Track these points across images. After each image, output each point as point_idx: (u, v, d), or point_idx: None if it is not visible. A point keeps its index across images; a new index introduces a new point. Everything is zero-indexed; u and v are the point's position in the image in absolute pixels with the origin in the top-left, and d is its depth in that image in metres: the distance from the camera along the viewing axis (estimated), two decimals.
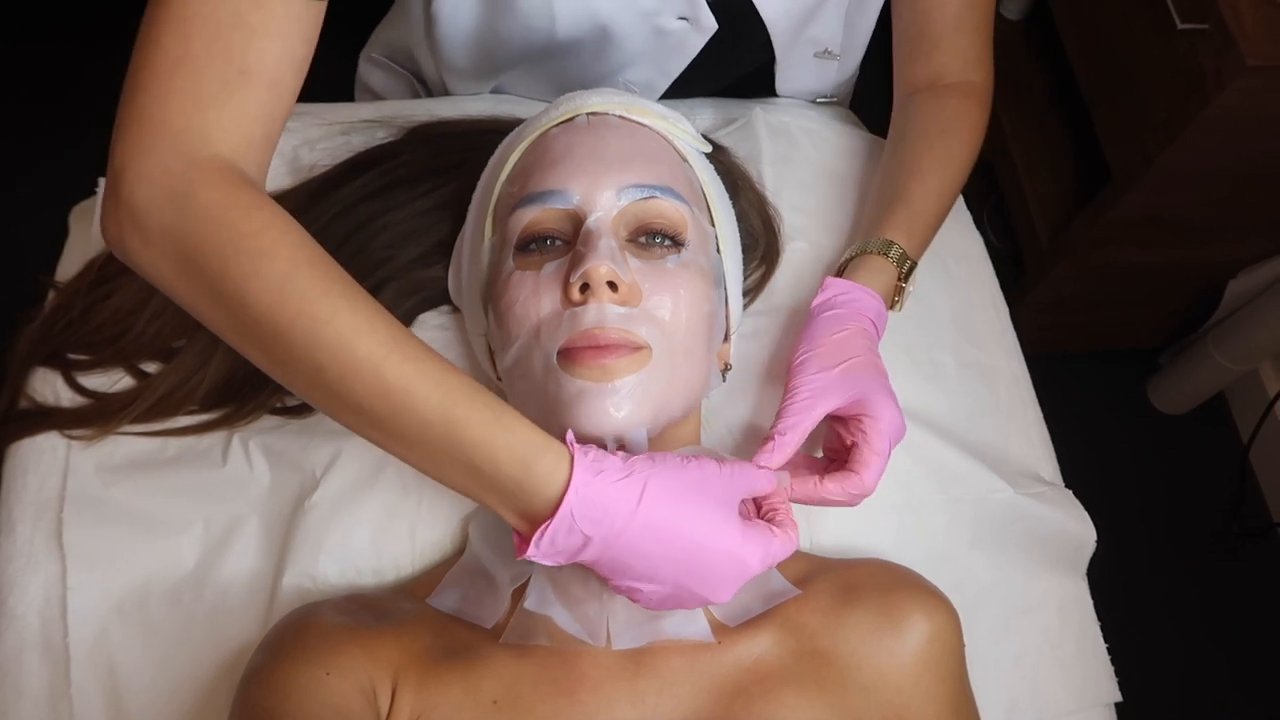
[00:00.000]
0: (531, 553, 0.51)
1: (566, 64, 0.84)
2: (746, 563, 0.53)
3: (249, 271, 0.50)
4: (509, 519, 0.53)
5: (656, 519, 0.51)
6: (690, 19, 0.80)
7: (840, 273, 0.74)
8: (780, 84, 0.93)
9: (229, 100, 0.52)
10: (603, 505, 0.50)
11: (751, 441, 0.77)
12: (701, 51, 0.84)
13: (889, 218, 0.75)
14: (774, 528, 0.56)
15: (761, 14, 0.82)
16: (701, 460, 0.55)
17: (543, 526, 0.50)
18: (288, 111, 0.56)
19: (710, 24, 0.80)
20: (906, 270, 0.74)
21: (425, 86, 1.00)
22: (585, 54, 0.83)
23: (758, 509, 0.60)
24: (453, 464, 0.51)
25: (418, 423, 0.50)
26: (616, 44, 0.81)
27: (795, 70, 0.91)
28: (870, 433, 0.63)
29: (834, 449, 0.68)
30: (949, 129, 0.80)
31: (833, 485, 0.62)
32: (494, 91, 0.94)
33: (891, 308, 0.73)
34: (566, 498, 0.49)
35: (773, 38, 0.84)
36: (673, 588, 0.53)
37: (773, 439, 0.63)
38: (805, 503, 0.63)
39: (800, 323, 0.72)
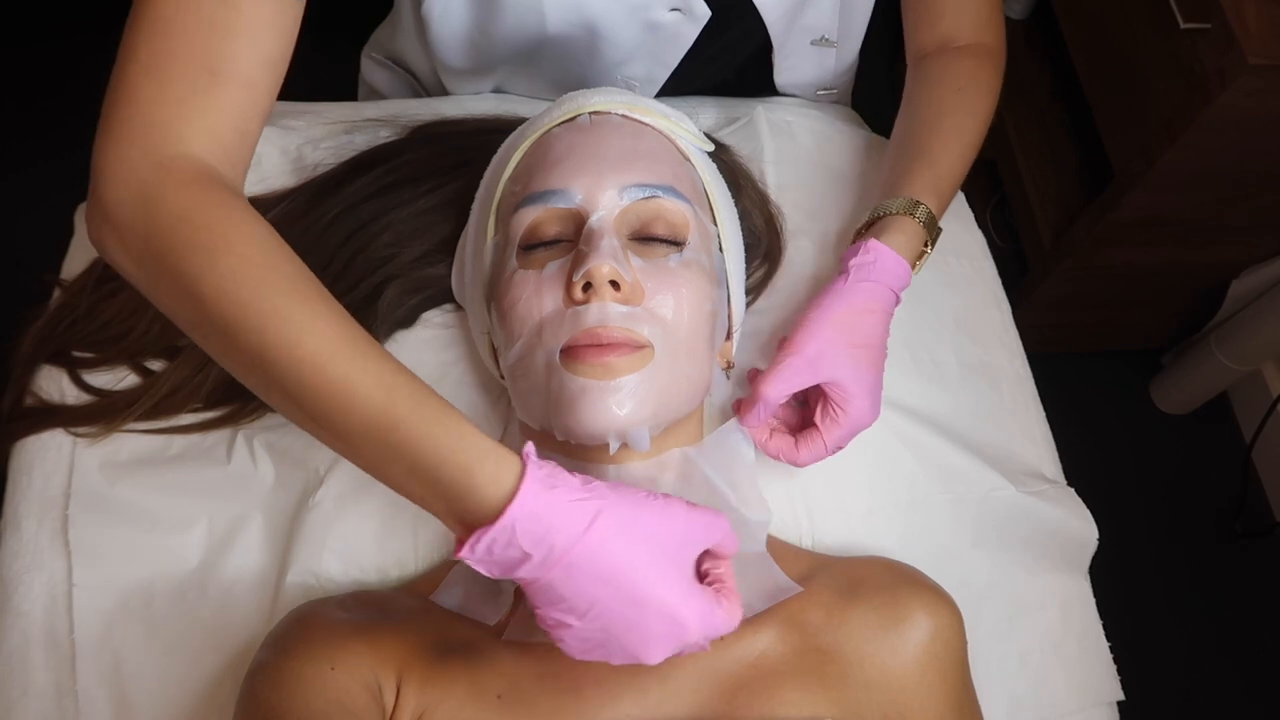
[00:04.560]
0: (466, 555, 0.48)
1: (561, 61, 0.85)
2: (685, 627, 0.50)
3: (205, 267, 0.50)
4: (450, 525, 0.50)
5: (602, 551, 0.48)
6: (683, 9, 0.80)
7: (866, 229, 0.73)
8: (779, 75, 0.93)
9: (198, 101, 0.53)
10: (548, 522, 0.47)
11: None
12: (698, 41, 0.84)
13: (913, 176, 0.73)
14: (720, 598, 0.52)
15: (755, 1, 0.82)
16: (668, 501, 0.52)
17: (481, 531, 0.47)
18: (264, 110, 0.56)
19: (704, 12, 0.80)
20: (934, 235, 0.72)
21: (424, 87, 1.00)
22: (579, 51, 0.83)
23: (700, 573, 0.54)
24: (395, 465, 0.49)
25: (359, 422, 0.49)
26: (609, 39, 0.81)
27: (793, 59, 0.91)
28: (832, 428, 0.66)
29: (794, 408, 0.71)
30: (965, 86, 0.79)
31: (777, 445, 0.67)
32: (494, 91, 0.94)
33: (914, 270, 0.72)
34: (511, 507, 0.47)
35: (767, 24, 0.84)
36: (601, 633, 0.49)
37: (758, 402, 0.66)
38: (763, 451, 0.68)
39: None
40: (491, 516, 0.47)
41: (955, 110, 0.78)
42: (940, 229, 0.73)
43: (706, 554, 0.55)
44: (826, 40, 0.90)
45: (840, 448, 0.68)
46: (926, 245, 0.72)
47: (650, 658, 0.50)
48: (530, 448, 0.50)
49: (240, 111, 0.55)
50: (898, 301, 0.70)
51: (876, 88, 1.19)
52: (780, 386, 0.66)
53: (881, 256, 0.69)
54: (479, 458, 0.48)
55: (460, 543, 0.49)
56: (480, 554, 0.48)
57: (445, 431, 0.49)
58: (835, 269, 0.72)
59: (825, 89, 0.97)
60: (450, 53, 0.85)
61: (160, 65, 0.53)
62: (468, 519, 0.49)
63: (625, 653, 0.50)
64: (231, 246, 0.51)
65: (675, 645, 0.50)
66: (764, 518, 0.66)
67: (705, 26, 0.82)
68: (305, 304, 0.50)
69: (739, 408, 0.69)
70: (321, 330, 0.50)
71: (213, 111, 0.53)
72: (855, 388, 0.66)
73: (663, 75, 0.87)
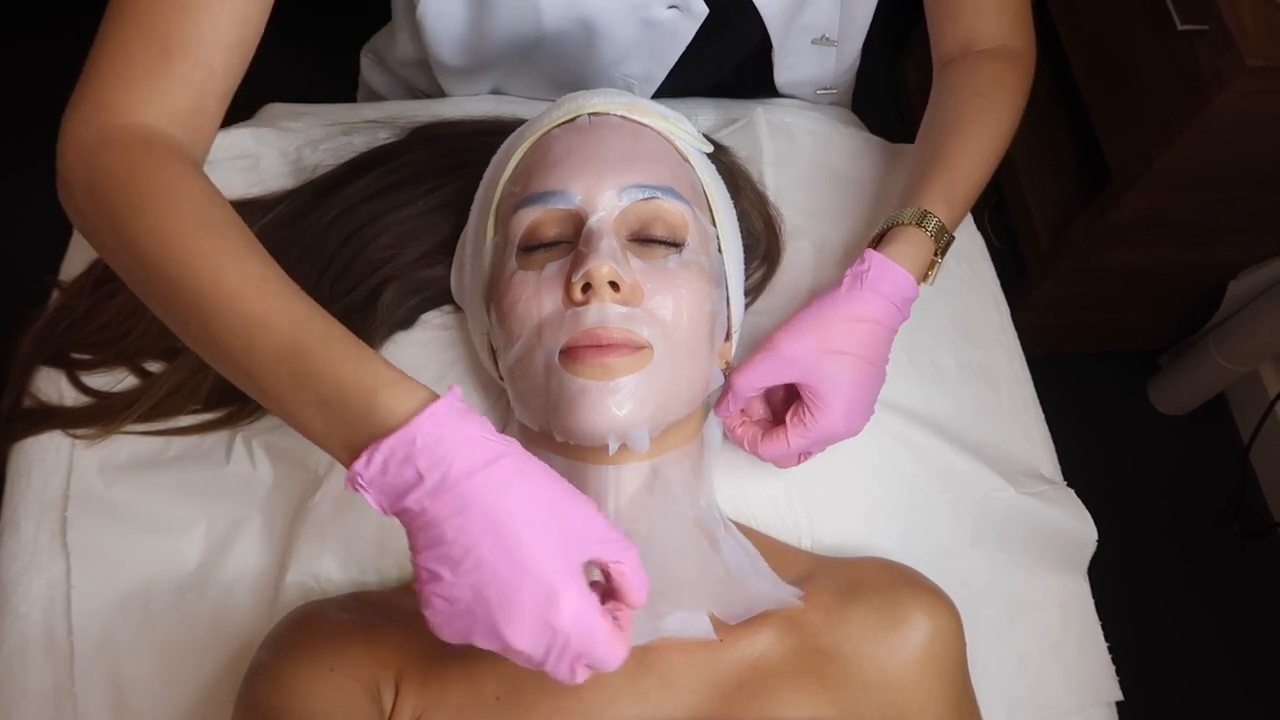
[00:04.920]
0: (359, 472, 0.45)
1: (559, 60, 0.85)
2: (558, 610, 0.45)
3: (136, 218, 0.52)
4: (347, 462, 0.47)
5: (497, 493, 0.45)
6: (680, 6, 0.80)
7: (877, 243, 0.71)
8: (779, 74, 0.93)
9: (154, 77, 0.56)
10: (450, 447, 0.45)
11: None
12: (696, 40, 0.84)
13: (927, 186, 0.72)
14: (612, 625, 0.48)
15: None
16: (582, 494, 0.49)
17: (380, 441, 0.45)
18: (223, 89, 0.59)
19: (701, 9, 0.80)
20: (945, 244, 0.70)
21: (422, 89, 1.00)
22: (576, 48, 0.83)
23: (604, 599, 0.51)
24: (303, 395, 0.48)
25: (270, 354, 0.49)
26: (606, 37, 0.81)
27: (793, 58, 0.91)
28: (798, 430, 0.65)
29: (775, 401, 0.70)
30: (986, 90, 0.77)
31: (742, 433, 0.68)
32: (492, 92, 0.94)
33: (923, 281, 0.71)
34: (417, 418, 0.45)
35: (766, 22, 0.84)
36: (470, 594, 0.45)
37: (729, 391, 0.67)
38: (730, 437, 0.69)
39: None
40: (393, 432, 0.45)
41: (974, 117, 0.76)
42: (952, 238, 0.71)
43: (613, 596, 0.50)
44: (827, 39, 0.90)
45: (808, 453, 0.67)
46: (937, 255, 0.70)
47: (513, 638, 0.45)
48: (458, 389, 0.48)
49: (194, 88, 0.57)
50: (903, 315, 0.68)
51: (876, 89, 1.19)
52: (750, 378, 0.66)
53: (878, 266, 0.67)
54: (386, 384, 0.47)
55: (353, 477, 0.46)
56: (374, 471, 0.45)
57: (354, 360, 0.48)
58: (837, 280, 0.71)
59: (825, 89, 0.96)
60: (446, 52, 0.85)
61: (122, 42, 0.57)
62: (368, 442, 0.46)
63: (488, 626, 0.46)
64: (161, 198, 0.53)
65: (542, 632, 0.46)
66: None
67: (704, 24, 0.82)
68: (227, 249, 0.52)
69: (718, 400, 0.69)
70: (240, 271, 0.51)
71: (165, 86, 0.56)
72: (830, 395, 0.64)
73: (661, 74, 0.87)
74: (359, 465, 0.45)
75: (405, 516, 0.47)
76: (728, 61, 0.91)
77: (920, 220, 0.70)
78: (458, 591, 0.46)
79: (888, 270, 0.67)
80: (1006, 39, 0.80)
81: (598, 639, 0.47)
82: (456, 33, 0.82)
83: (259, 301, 0.50)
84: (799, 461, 0.68)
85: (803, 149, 0.91)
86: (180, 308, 0.52)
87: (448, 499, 0.45)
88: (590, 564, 0.48)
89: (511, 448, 0.47)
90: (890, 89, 1.90)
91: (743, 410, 0.69)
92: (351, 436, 0.47)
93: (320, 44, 1.59)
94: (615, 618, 0.49)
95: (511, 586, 0.45)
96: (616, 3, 0.78)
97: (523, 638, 0.45)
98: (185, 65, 0.57)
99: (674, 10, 0.80)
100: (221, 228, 0.53)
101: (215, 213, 0.53)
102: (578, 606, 0.46)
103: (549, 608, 0.45)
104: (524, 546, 0.45)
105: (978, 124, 0.76)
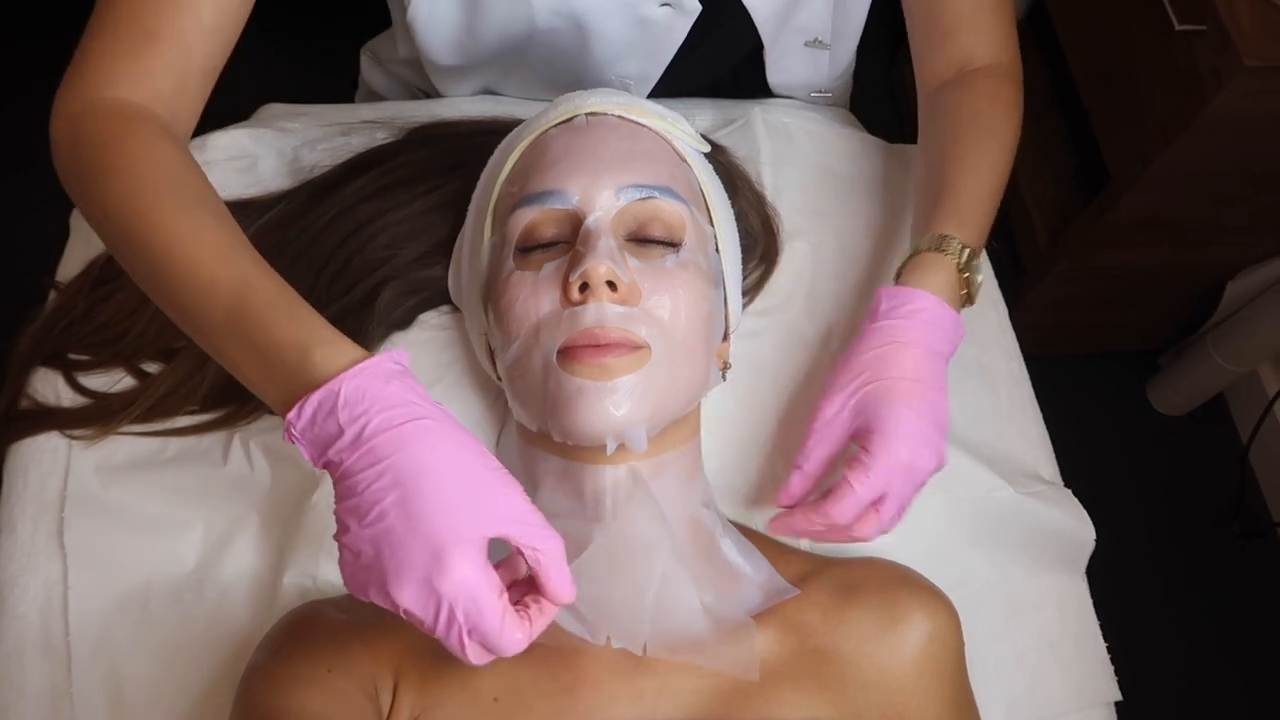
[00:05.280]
0: (290, 420, 0.48)
1: (553, 60, 0.85)
2: (443, 573, 0.45)
3: (110, 184, 0.56)
4: (283, 414, 0.49)
5: (407, 449, 0.46)
6: (673, 4, 0.80)
7: (896, 280, 0.69)
8: (772, 75, 0.93)
9: (136, 57, 0.60)
10: (371, 402, 0.47)
11: (750, 441, 0.77)
12: (691, 39, 0.84)
13: (938, 210, 0.70)
14: (516, 614, 0.48)
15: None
16: (506, 472, 0.49)
17: (310, 394, 0.47)
18: (204, 69, 0.63)
19: (694, 6, 0.80)
20: (965, 259, 0.67)
21: (420, 89, 1.00)
22: (570, 48, 0.83)
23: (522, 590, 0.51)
24: (247, 355, 0.51)
25: (220, 315, 0.52)
26: (599, 35, 0.81)
27: (786, 60, 0.91)
28: (856, 469, 0.61)
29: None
30: (984, 109, 0.76)
31: (804, 516, 0.62)
32: (487, 93, 0.94)
33: (967, 304, 0.68)
34: (343, 375, 0.47)
35: (756, 22, 0.84)
36: (371, 548, 0.46)
37: (794, 472, 0.64)
38: (802, 534, 0.64)
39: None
40: (321, 385, 0.47)
41: (976, 135, 0.74)
42: (975, 252, 0.68)
43: (532, 591, 0.50)
44: (820, 42, 0.90)
45: (885, 495, 0.61)
46: (963, 271, 0.67)
47: (399, 595, 0.46)
48: (399, 354, 0.50)
49: (174, 69, 0.61)
50: (940, 332, 0.64)
51: (874, 90, 1.19)
52: (809, 454, 0.63)
53: (888, 298, 0.66)
54: (321, 342, 0.49)
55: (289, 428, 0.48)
56: (304, 423, 0.48)
57: (295, 321, 0.51)
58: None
59: (819, 92, 0.96)
60: (439, 53, 0.85)
61: (109, 25, 0.61)
62: (300, 395, 0.48)
63: (380, 582, 0.46)
64: (129, 163, 0.57)
65: (427, 595, 0.46)
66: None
67: (698, 23, 0.82)
68: (185, 212, 0.55)
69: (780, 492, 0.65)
70: (196, 233, 0.54)
71: (146, 67, 0.61)
72: (877, 422, 0.61)
73: (656, 72, 0.87)
74: (291, 416, 0.48)
75: (330, 468, 0.48)
76: (723, 61, 0.92)
77: (937, 246, 0.68)
78: (361, 544, 0.47)
79: (899, 296, 0.65)
80: (999, 55, 0.79)
81: (486, 614, 0.46)
82: (449, 34, 0.82)
83: (211, 263, 0.53)
84: (883, 521, 0.62)
85: (800, 149, 0.91)
86: (144, 266, 0.55)
87: (362, 452, 0.47)
88: (502, 542, 0.48)
89: (437, 412, 0.48)
90: (888, 90, 1.90)
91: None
92: (287, 390, 0.49)
93: (319, 44, 1.59)
94: (527, 606, 0.49)
95: (405, 544, 0.46)
96: (608, 1, 0.78)
97: (407, 596, 0.46)
98: (165, 48, 0.61)
99: (666, 8, 0.80)
100: (184, 192, 0.56)
101: (179, 178, 0.57)
102: (466, 574, 0.46)
103: (435, 570, 0.45)
104: (424, 506, 0.46)
105: (982, 145, 0.74)
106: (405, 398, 0.48)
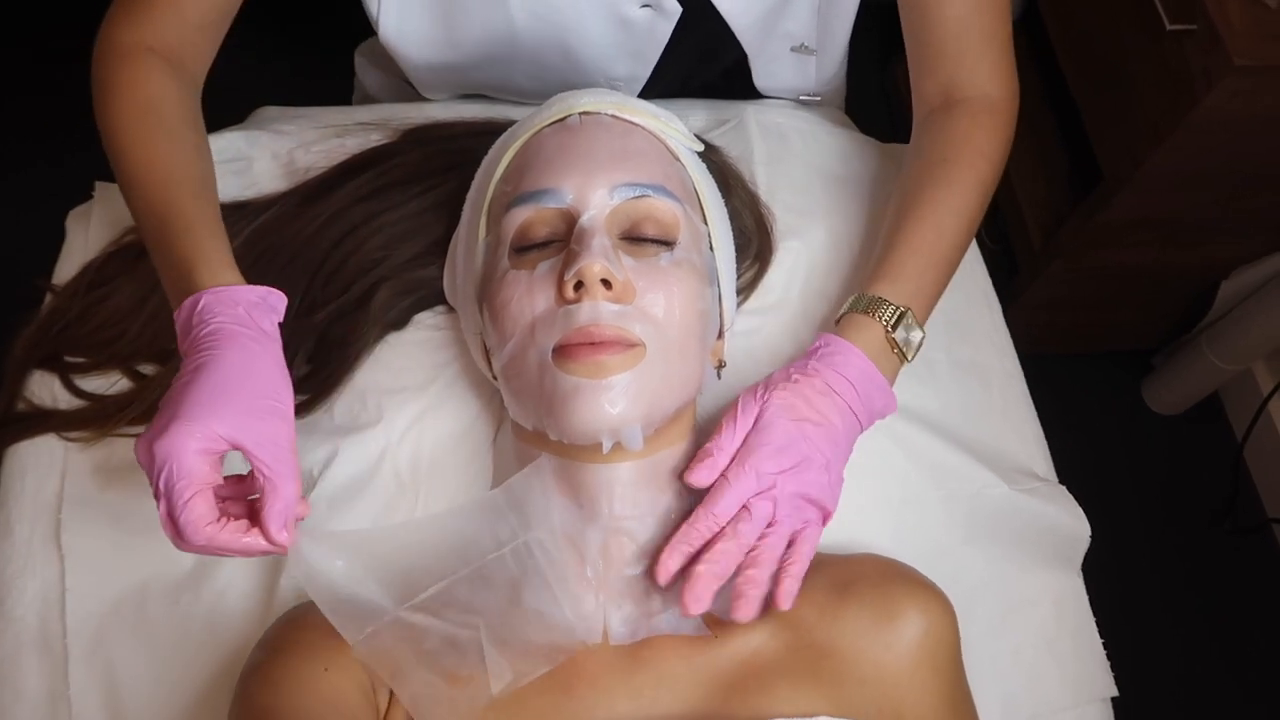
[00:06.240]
0: (176, 315, 0.59)
1: (541, 63, 0.85)
2: (163, 434, 0.51)
3: (108, 113, 0.67)
4: (174, 312, 0.60)
5: (219, 352, 0.55)
6: (654, 5, 0.81)
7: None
8: (758, 79, 0.93)
9: (147, 13, 0.70)
10: (217, 313, 0.57)
11: None
12: (677, 40, 0.84)
13: (876, 269, 0.71)
14: (224, 521, 0.53)
15: (717, 6, 0.82)
16: (280, 407, 0.55)
17: (186, 299, 0.58)
18: (209, 19, 0.72)
19: (674, 8, 0.81)
20: (894, 320, 0.67)
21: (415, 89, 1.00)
22: (555, 52, 0.83)
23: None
24: (163, 266, 0.62)
25: (156, 230, 0.62)
26: (581, 37, 0.81)
27: (771, 65, 0.91)
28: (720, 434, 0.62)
29: None
30: (951, 155, 0.74)
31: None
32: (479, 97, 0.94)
33: (903, 361, 0.68)
34: (207, 290, 0.58)
35: (736, 31, 0.84)
36: (157, 421, 0.53)
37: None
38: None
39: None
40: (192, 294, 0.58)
41: (935, 187, 0.73)
42: (904, 314, 0.67)
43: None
44: (806, 48, 0.90)
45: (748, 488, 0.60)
46: (890, 330, 0.67)
47: (139, 444, 0.53)
48: (272, 293, 0.60)
49: (176, 24, 0.71)
50: (857, 391, 0.64)
51: (867, 90, 1.19)
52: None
53: (828, 348, 0.65)
54: (204, 263, 0.60)
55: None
56: (182, 320, 0.58)
57: (197, 242, 0.61)
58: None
59: (808, 95, 0.97)
60: (415, 63, 0.86)
61: None
62: (182, 300, 0.59)
63: (146, 447, 0.53)
64: (120, 100, 0.67)
65: (147, 450, 0.52)
66: None
67: (681, 26, 0.82)
68: (151, 143, 0.66)
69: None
70: (153, 162, 0.65)
71: (160, 20, 0.70)
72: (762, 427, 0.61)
73: (644, 73, 0.88)
74: (176, 313, 0.59)
75: (181, 354, 0.58)
76: (711, 65, 0.92)
77: (860, 307, 0.68)
78: (157, 418, 0.54)
79: (833, 345, 0.65)
80: (985, 87, 0.77)
81: (176, 487, 0.51)
82: (423, 43, 0.83)
83: (155, 188, 0.64)
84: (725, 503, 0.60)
85: (794, 149, 0.91)
86: (121, 185, 0.66)
87: (194, 343, 0.56)
88: (237, 451, 0.54)
89: (264, 338, 0.57)
90: (881, 90, 1.91)
91: None
92: (177, 296, 0.60)
93: (314, 47, 1.60)
94: (231, 519, 0.53)
95: (163, 411, 0.54)
96: (588, 3, 0.79)
97: (141, 448, 0.53)
98: (167, 5, 0.70)
99: (647, 9, 0.81)
100: (153, 122, 0.66)
101: (155, 112, 0.67)
102: (178, 445, 0.51)
103: (160, 432, 0.52)
104: (193, 389, 0.54)
105: (937, 199, 0.72)
106: (244, 318, 0.57)
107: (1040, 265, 1.49)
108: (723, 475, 0.61)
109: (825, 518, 0.63)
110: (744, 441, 0.62)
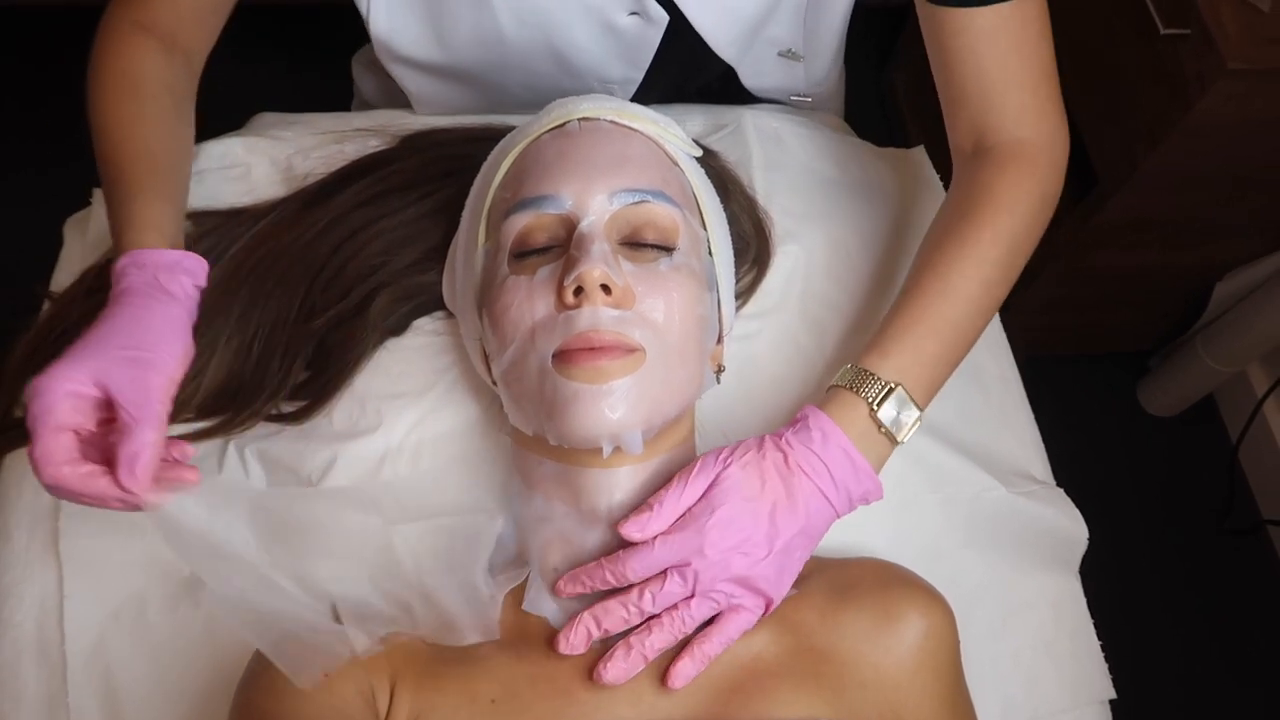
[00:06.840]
0: (112, 271, 0.63)
1: (531, 71, 0.85)
2: (42, 373, 0.54)
3: (93, 88, 0.70)
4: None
5: (123, 307, 0.60)
6: (640, 13, 0.81)
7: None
8: (746, 80, 0.93)
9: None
10: (134, 273, 0.62)
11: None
12: (668, 46, 0.84)
13: (875, 337, 0.67)
14: (83, 463, 0.54)
15: (691, 21, 0.82)
16: (159, 353, 0.58)
17: (124, 255, 0.63)
18: (202, 10, 0.75)
19: (661, 16, 0.81)
20: (880, 397, 0.63)
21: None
22: (545, 58, 0.83)
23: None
24: (116, 226, 0.66)
25: (113, 195, 0.67)
26: (571, 43, 0.82)
27: (757, 68, 0.92)
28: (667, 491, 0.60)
29: None
30: (969, 210, 0.69)
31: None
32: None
33: (892, 443, 0.64)
34: (131, 251, 0.63)
35: (715, 48, 0.85)
36: (72, 346, 0.57)
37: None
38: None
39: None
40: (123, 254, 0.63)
41: (948, 251, 0.67)
42: (892, 390, 0.63)
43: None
44: (793, 54, 0.90)
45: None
46: (874, 409, 0.63)
47: (32, 382, 0.55)
48: (192, 259, 0.64)
49: (170, 11, 0.73)
50: (829, 470, 0.60)
51: (865, 95, 1.20)
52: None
53: (806, 421, 0.62)
54: (133, 227, 0.64)
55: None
56: (119, 267, 0.62)
57: (139, 208, 0.65)
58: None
59: (800, 95, 0.97)
60: (407, 69, 0.86)
61: None
62: (118, 258, 0.64)
63: (27, 389, 0.55)
64: (106, 66, 0.71)
65: (30, 385, 0.54)
66: None
67: (671, 32, 0.83)
68: (119, 111, 0.69)
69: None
70: (119, 129, 0.68)
71: (159, 7, 0.73)
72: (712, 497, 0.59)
73: (637, 76, 0.88)
74: (113, 270, 0.63)
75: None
76: (705, 69, 0.92)
77: (846, 381, 0.64)
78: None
79: (817, 421, 0.62)
80: (1015, 131, 0.70)
81: (39, 422, 0.54)
82: (415, 46, 0.83)
83: (113, 153, 0.68)
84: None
85: (792, 153, 0.91)
86: (100, 155, 0.69)
87: (111, 298, 0.61)
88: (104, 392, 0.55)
89: (165, 295, 0.61)
90: (878, 94, 1.91)
91: None
92: (118, 252, 0.64)
93: (313, 54, 1.60)
94: (106, 470, 0.53)
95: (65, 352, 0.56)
96: (574, 10, 0.79)
97: (26, 391, 0.55)
98: None
99: (635, 16, 0.81)
100: (127, 87, 0.70)
101: (130, 83, 0.70)
102: (46, 384, 0.54)
103: (44, 372, 0.55)
104: (81, 339, 0.57)
105: (950, 269, 0.67)
106: (150, 280, 0.61)
107: (1037, 267, 1.49)
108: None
109: (767, 605, 0.59)
110: (688, 509, 0.59)
